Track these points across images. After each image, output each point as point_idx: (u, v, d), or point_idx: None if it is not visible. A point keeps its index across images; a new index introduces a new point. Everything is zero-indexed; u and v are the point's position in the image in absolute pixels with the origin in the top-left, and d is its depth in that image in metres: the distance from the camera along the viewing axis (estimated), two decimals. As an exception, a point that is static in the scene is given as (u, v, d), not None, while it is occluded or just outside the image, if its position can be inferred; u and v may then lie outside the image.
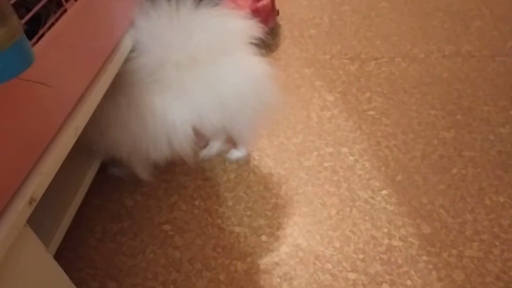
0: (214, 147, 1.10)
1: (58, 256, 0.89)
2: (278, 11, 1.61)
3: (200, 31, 0.88)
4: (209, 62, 0.89)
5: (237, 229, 0.97)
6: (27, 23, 0.65)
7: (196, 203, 1.04)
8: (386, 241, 0.92)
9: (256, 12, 1.42)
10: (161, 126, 0.90)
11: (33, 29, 0.64)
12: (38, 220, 0.86)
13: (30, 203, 0.59)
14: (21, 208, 0.57)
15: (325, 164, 1.10)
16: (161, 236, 0.97)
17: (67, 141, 0.67)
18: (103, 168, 1.02)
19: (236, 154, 1.10)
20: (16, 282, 0.60)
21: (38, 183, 0.61)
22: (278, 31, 1.59)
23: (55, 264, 0.68)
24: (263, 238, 0.95)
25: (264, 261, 0.91)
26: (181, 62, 0.88)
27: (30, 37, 0.61)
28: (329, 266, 0.89)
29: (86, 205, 1.05)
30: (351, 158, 1.11)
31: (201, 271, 0.90)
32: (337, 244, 0.92)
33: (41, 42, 0.60)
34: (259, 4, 1.44)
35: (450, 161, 1.07)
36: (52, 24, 0.63)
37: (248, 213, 1.00)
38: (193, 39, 0.88)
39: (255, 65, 0.93)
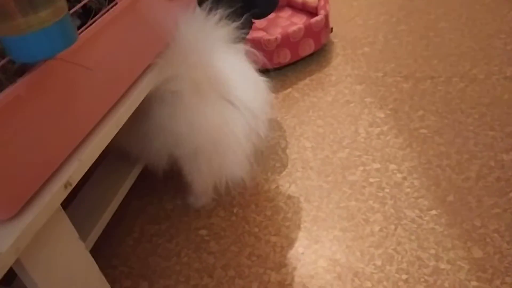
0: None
1: (96, 253, 0.91)
2: (331, 29, 1.60)
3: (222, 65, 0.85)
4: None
5: (273, 239, 0.94)
6: (79, 16, 0.68)
7: (235, 210, 1.02)
8: (432, 263, 0.85)
9: (309, 28, 1.42)
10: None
11: (84, 21, 0.67)
12: (78, 216, 0.88)
13: (65, 186, 0.60)
14: (56, 190, 0.58)
15: (371, 180, 1.05)
16: (196, 241, 0.96)
17: (108, 132, 0.68)
18: (145, 173, 1.03)
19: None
20: (46, 264, 0.60)
21: (76, 168, 0.62)
22: (331, 48, 1.57)
23: (86, 253, 0.68)
24: (300, 250, 0.92)
25: (299, 273, 0.87)
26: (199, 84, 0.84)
27: (79, 28, 0.64)
28: (369, 284, 0.83)
29: (127, 206, 1.06)
30: (399, 175, 1.05)
31: (233, 279, 0.88)
32: (379, 262, 0.87)
33: (88, 30, 0.62)
34: (313, 20, 1.43)
35: (507, 184, 0.99)
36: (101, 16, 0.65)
37: (287, 223, 0.97)
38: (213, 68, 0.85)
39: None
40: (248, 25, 1.10)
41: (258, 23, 1.57)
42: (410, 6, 1.78)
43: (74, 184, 0.61)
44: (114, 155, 0.96)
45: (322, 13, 1.47)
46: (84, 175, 0.64)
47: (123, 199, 1.06)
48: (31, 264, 0.57)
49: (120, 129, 0.72)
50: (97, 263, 0.91)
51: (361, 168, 1.08)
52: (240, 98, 0.85)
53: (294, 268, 0.88)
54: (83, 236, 0.84)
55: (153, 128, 0.86)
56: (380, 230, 0.93)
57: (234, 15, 1.06)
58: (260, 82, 0.91)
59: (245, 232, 0.97)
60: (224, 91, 0.84)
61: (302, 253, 0.91)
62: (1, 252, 0.50)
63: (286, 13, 1.69)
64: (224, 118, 0.85)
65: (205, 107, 0.83)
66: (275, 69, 1.47)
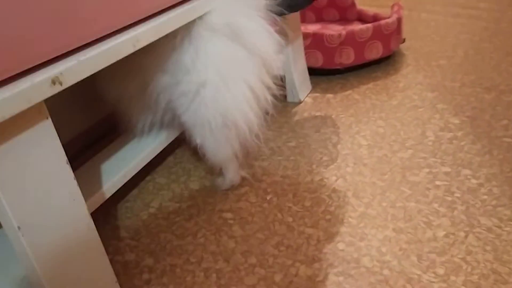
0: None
1: (104, 221, 0.79)
2: (404, 39, 1.46)
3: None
4: None
5: (309, 230, 0.78)
6: None
7: (268, 197, 0.87)
8: (514, 280, 0.64)
9: (378, 29, 1.29)
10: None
11: None
12: (92, 172, 0.77)
13: (53, 82, 0.49)
14: (39, 81, 0.47)
15: (437, 183, 0.86)
16: (218, 223, 0.81)
17: (120, 46, 0.58)
18: (174, 152, 0.91)
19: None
20: (15, 172, 0.49)
21: (71, 67, 0.51)
22: (401, 59, 1.42)
23: (73, 182, 0.56)
24: (340, 245, 0.74)
25: (335, 271, 0.69)
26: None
27: None
28: (425, 295, 0.64)
29: (150, 181, 0.94)
30: (474, 181, 0.85)
31: (254, 266, 0.71)
32: (441, 271, 0.67)
33: None
34: (383, 21, 1.30)
35: None
36: None
37: (328, 217, 0.80)
38: None
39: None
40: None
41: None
42: (496, 28, 1.60)
43: (63, 84, 0.50)
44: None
45: (394, 16, 1.34)
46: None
47: (147, 175, 0.95)
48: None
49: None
50: (101, 232, 0.80)
51: (426, 170, 0.90)
52: (252, 42, 0.73)
53: (330, 265, 0.70)
54: (90, 193, 0.73)
55: (153, 65, 0.76)
56: (446, 235, 0.74)
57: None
58: (273, 35, 0.77)
59: (276, 220, 0.81)
60: (237, 34, 0.73)
61: (342, 250, 0.73)
62: None
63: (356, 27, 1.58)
64: (235, 54, 0.73)
65: (216, 40, 0.72)
66: (336, 71, 1.34)
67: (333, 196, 0.85)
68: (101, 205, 0.87)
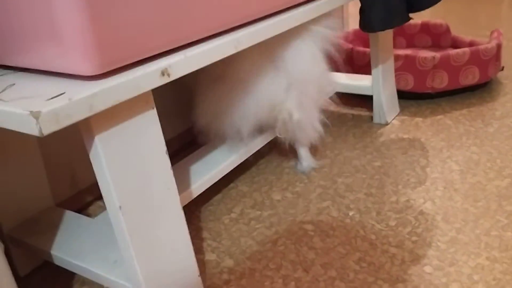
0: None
1: (188, 221, 0.83)
2: (502, 67, 1.39)
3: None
4: None
5: (393, 250, 0.75)
6: None
7: (351, 213, 0.85)
8: None
9: (476, 54, 1.24)
10: None
11: None
12: (182, 172, 0.81)
13: (162, 74, 0.52)
14: (150, 71, 0.51)
15: (539, 215, 0.79)
16: (299, 233, 0.81)
17: (223, 46, 0.61)
18: (259, 163, 0.93)
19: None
20: (120, 153, 0.52)
21: (179, 61, 0.54)
22: (498, 88, 1.34)
23: (169, 172, 0.59)
24: (427, 269, 0.70)
25: (422, 293, 0.65)
26: None
27: None
28: (523, 330, 0.58)
29: (233, 189, 0.96)
30: None
31: (333, 279, 0.70)
32: (542, 307, 0.61)
33: None
34: (482, 46, 1.25)
35: None
36: None
37: (414, 238, 0.77)
38: None
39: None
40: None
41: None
42: None
43: (171, 76, 0.53)
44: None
45: (493, 42, 1.28)
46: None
47: (230, 182, 0.97)
48: (103, 143, 0.50)
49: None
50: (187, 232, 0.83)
51: (526, 200, 0.83)
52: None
53: (416, 287, 0.67)
54: (181, 188, 0.76)
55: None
56: (548, 270, 0.67)
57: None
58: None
59: (359, 236, 0.79)
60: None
61: (430, 273, 0.69)
62: (73, 99, 0.43)
63: (448, 48, 1.52)
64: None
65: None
66: (426, 95, 1.30)
67: (420, 218, 0.82)
68: (185, 206, 0.91)
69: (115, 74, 0.49)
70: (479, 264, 0.70)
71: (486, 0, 2.54)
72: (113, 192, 0.52)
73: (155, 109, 0.56)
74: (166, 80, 0.53)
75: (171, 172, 0.59)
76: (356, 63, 1.36)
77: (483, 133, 1.09)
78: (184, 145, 1.15)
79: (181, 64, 0.55)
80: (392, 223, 0.81)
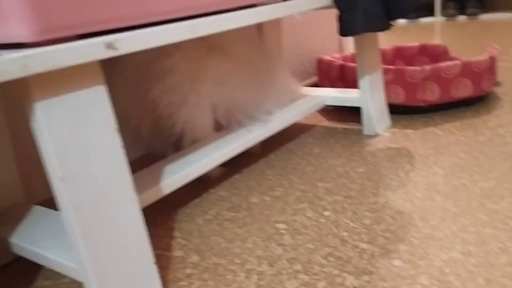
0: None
1: (162, 222, 0.82)
2: (498, 82, 1.37)
3: None
4: None
5: (364, 245, 0.72)
6: None
7: (326, 213, 0.82)
8: None
9: (468, 66, 1.23)
10: None
11: None
12: (157, 171, 0.81)
13: (108, 46, 0.54)
14: (93, 42, 0.52)
15: (522, 212, 0.75)
16: (270, 232, 0.79)
17: (178, 31, 0.62)
18: (239, 167, 0.92)
19: None
20: (62, 126, 0.53)
21: (127, 38, 0.56)
22: (495, 102, 1.32)
23: (120, 152, 0.59)
24: (396, 262, 0.67)
25: (386, 285, 0.62)
26: None
27: None
28: (491, 319, 0.54)
29: (212, 194, 0.95)
30: None
31: (297, 272, 0.67)
32: (513, 297, 0.57)
33: None
34: (474, 60, 1.24)
35: None
36: None
37: (387, 235, 0.74)
38: None
39: None
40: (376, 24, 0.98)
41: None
42: None
43: (118, 51, 0.55)
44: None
45: (486, 55, 1.26)
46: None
47: (211, 188, 0.97)
48: (44, 110, 0.50)
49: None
50: (157, 231, 0.82)
51: (510, 199, 0.80)
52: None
53: (382, 279, 0.63)
54: (151, 184, 0.76)
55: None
56: (525, 263, 0.63)
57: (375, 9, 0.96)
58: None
59: (331, 234, 0.76)
60: None
61: (398, 266, 0.66)
62: (5, 57, 0.45)
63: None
64: None
65: None
66: (419, 109, 1.28)
67: (397, 217, 0.79)
68: (162, 209, 0.90)
69: (58, 43, 0.50)
70: (452, 257, 0.66)
71: (493, 28, 2.54)
72: (54, 162, 0.52)
73: (104, 85, 0.57)
74: (112, 53, 0.54)
75: (121, 150, 0.59)
76: (347, 78, 1.36)
77: (473, 141, 1.06)
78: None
79: (130, 39, 0.56)
80: (367, 221, 0.78)
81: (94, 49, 0.52)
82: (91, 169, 0.55)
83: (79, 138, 0.54)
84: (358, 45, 1.13)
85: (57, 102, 0.52)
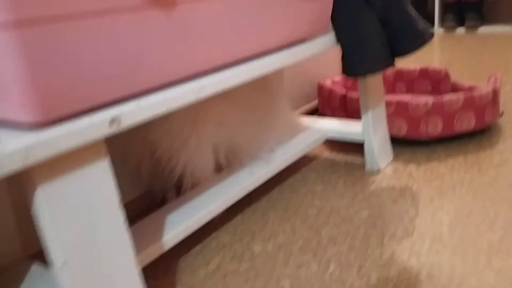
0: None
1: (163, 274, 0.80)
2: (502, 113, 1.35)
3: None
4: None
5: (371, 310, 0.70)
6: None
7: (331, 268, 0.81)
8: None
9: (471, 100, 1.21)
10: None
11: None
12: (155, 224, 0.79)
13: (111, 122, 0.51)
14: (98, 120, 0.50)
15: (531, 273, 0.74)
16: (274, 289, 0.77)
17: (183, 95, 0.60)
18: (239, 211, 0.91)
19: None
20: (65, 208, 0.50)
21: (131, 111, 0.54)
22: (498, 134, 1.31)
23: (123, 227, 0.57)
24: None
25: None
26: None
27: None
28: None
29: (213, 240, 0.93)
30: None
31: None
32: None
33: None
34: (476, 92, 1.22)
35: None
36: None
37: (394, 297, 0.72)
38: None
39: None
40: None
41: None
42: None
43: (122, 125, 0.52)
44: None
45: (489, 87, 1.25)
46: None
47: (213, 231, 0.95)
48: (46, 194, 0.48)
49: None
50: (159, 285, 0.80)
51: (518, 256, 0.78)
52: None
53: None
54: (152, 240, 0.74)
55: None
56: (537, 337, 0.62)
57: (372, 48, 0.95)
58: None
59: (336, 294, 0.74)
60: None
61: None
62: (6, 152, 0.42)
63: (446, 93, 1.50)
64: None
65: None
66: (422, 141, 1.27)
67: (403, 273, 0.77)
68: (163, 259, 0.88)
69: (59, 123, 0.48)
70: (461, 328, 0.65)
71: (493, 46, 2.53)
72: (57, 247, 0.50)
73: (107, 159, 0.55)
74: (116, 129, 0.52)
75: (124, 227, 0.57)
76: (349, 109, 1.34)
77: (478, 182, 1.05)
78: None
79: (133, 114, 0.54)
80: (373, 279, 0.77)
81: (98, 128, 0.50)
82: (95, 252, 0.53)
83: (81, 220, 0.52)
84: (361, 80, 1.11)
85: (59, 183, 0.50)
